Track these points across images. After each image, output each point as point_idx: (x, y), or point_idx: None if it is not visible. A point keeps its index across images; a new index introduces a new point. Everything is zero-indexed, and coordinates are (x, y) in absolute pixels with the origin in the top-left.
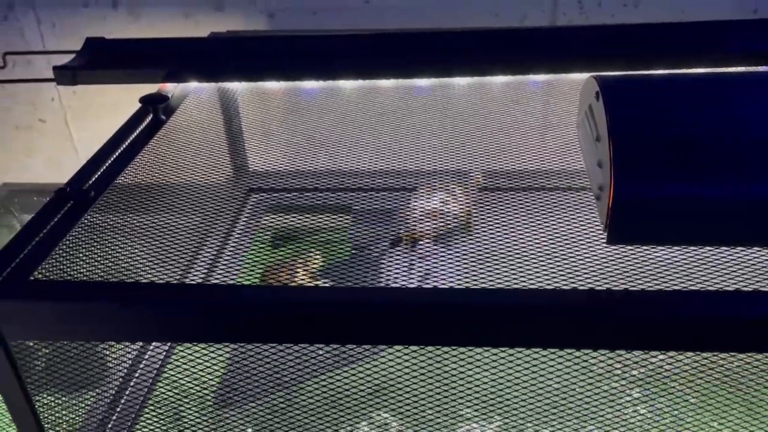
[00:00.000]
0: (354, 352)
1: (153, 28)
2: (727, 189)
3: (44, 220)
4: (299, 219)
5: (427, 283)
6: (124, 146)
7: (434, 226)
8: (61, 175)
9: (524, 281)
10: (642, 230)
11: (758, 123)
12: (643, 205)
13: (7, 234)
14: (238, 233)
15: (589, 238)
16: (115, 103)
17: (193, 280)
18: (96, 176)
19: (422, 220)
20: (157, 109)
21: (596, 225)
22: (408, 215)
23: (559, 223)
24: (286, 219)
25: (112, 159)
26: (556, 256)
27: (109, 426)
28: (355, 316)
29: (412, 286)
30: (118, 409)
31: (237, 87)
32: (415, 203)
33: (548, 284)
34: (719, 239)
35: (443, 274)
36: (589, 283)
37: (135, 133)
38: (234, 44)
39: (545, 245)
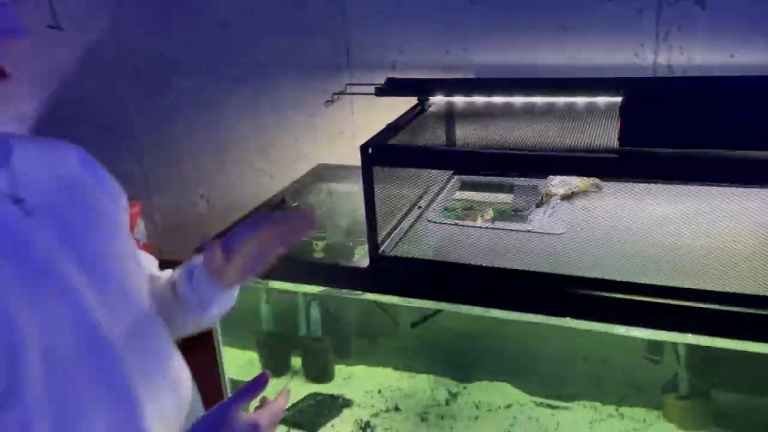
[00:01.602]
0: None
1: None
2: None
3: (386, 132)
4: (478, 194)
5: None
6: (412, 114)
7: (562, 191)
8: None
9: None
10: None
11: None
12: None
13: (315, 197)
14: (441, 199)
15: None
16: (383, 120)
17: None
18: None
19: (555, 186)
20: (424, 102)
21: None
22: (547, 185)
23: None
24: (470, 194)
25: (408, 117)
26: None
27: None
28: None
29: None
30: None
31: (458, 101)
32: (553, 179)
33: None
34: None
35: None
36: None
37: (415, 111)
38: (460, 81)
39: None
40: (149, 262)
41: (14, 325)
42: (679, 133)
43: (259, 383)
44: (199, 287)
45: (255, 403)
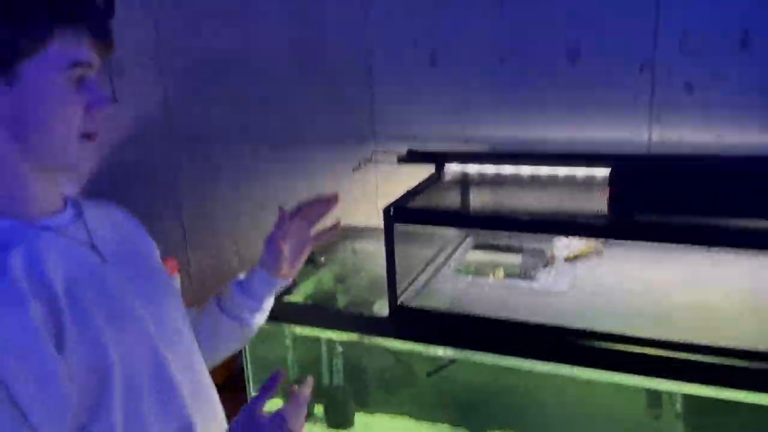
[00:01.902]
0: None
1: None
2: None
3: (406, 196)
4: (490, 255)
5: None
6: (430, 181)
7: (566, 254)
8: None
9: None
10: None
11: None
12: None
13: (341, 254)
14: (455, 259)
15: None
16: (404, 186)
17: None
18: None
19: (560, 249)
20: (441, 171)
21: None
22: (552, 248)
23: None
24: (482, 254)
25: (426, 184)
26: None
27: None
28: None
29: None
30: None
31: (471, 170)
32: (558, 242)
33: None
34: None
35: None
36: None
37: (433, 179)
38: (474, 153)
39: None
40: None
41: (106, 353)
42: (659, 200)
43: (274, 379)
44: (252, 289)
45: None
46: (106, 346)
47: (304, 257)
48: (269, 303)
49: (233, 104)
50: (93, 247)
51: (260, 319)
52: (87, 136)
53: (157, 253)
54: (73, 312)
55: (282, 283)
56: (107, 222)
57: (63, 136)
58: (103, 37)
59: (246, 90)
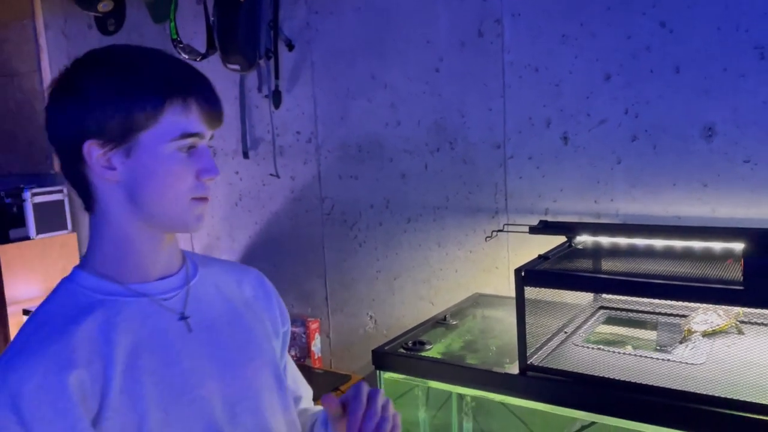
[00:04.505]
0: None
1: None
2: None
3: (538, 260)
4: (623, 329)
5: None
6: (561, 249)
7: (703, 328)
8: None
9: None
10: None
11: None
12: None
13: (471, 319)
14: (584, 329)
15: None
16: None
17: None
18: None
19: (697, 323)
20: (572, 242)
21: None
22: (689, 322)
23: None
24: (615, 328)
25: (557, 251)
26: None
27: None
28: None
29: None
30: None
31: (603, 242)
32: (695, 318)
33: None
34: None
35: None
36: None
37: (564, 247)
38: (607, 224)
39: None
40: (304, 389)
41: (147, 427)
42: None
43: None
44: None
45: None
46: (147, 417)
47: None
48: None
49: (377, 179)
50: (184, 317)
51: None
52: (199, 199)
53: (282, 327)
54: (127, 380)
55: None
56: (223, 289)
57: (174, 200)
58: (210, 108)
59: (387, 165)
